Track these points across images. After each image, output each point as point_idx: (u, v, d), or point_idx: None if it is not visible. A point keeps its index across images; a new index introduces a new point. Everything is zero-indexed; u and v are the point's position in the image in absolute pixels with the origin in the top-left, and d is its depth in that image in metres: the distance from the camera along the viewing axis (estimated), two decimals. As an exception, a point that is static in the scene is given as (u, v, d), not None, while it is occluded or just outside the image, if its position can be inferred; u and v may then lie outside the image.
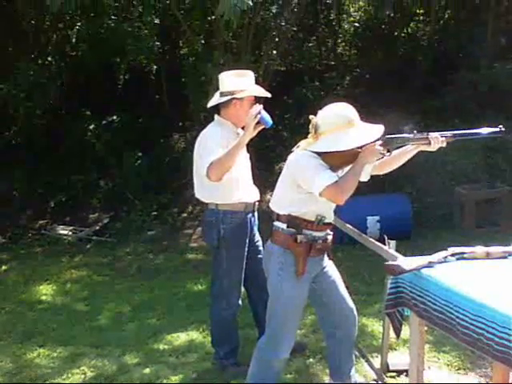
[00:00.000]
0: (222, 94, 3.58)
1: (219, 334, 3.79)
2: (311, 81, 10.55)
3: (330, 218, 3.02)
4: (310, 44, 10.81)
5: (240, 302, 3.74)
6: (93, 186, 9.05)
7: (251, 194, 3.70)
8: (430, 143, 2.97)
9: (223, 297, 3.69)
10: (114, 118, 9.50)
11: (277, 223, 3.01)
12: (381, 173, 3.20)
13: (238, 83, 3.54)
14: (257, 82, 3.77)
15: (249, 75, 3.63)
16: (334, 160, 2.88)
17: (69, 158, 9.16)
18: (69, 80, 9.59)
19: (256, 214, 3.77)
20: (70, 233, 8.02)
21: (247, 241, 3.66)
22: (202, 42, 8.82)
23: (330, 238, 3.06)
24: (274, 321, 3.06)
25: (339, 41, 11.64)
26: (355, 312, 3.27)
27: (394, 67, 10.27)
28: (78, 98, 9.62)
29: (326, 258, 3.13)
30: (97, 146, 8.98)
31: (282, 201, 3.00)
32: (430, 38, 10.95)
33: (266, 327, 3.13)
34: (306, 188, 2.85)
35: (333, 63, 11.26)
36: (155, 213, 8.52)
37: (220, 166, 3.35)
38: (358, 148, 2.87)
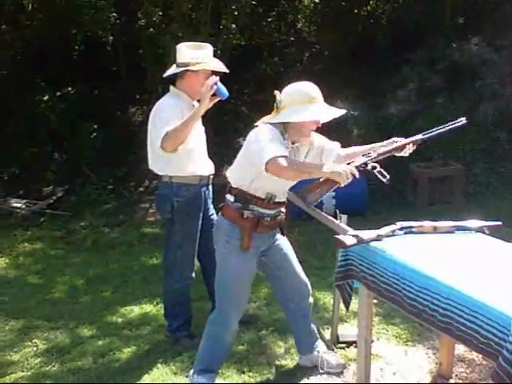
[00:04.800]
0: (177, 65, 3.54)
1: (172, 306, 3.79)
2: (270, 56, 10.51)
3: (281, 197, 3.02)
4: (270, 19, 10.71)
5: (193, 274, 3.75)
6: (47, 159, 8.88)
7: (206, 167, 3.68)
8: (401, 150, 3.03)
9: (176, 269, 3.68)
10: (69, 89, 9.30)
11: (227, 196, 3.02)
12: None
13: (194, 55, 3.49)
14: (215, 56, 3.73)
15: (206, 48, 3.57)
16: (295, 133, 2.90)
17: (22, 130, 8.96)
18: (23, 50, 9.33)
19: (210, 187, 3.76)
20: (24, 206, 7.87)
21: (201, 214, 3.66)
22: (160, 13, 8.65)
23: (280, 216, 3.08)
24: (221, 293, 3.10)
25: (299, 16, 11.57)
26: (309, 286, 3.32)
27: (353, 45, 10.32)
28: (32, 68, 9.38)
29: (277, 234, 3.16)
30: (51, 117, 8.78)
31: (236, 174, 3.00)
32: (389, 17, 11.01)
33: (215, 300, 3.16)
34: (256, 162, 2.76)
35: (292, 39, 11.22)
36: (111, 186, 8.43)
37: (175, 137, 3.31)
38: (317, 124, 2.90)
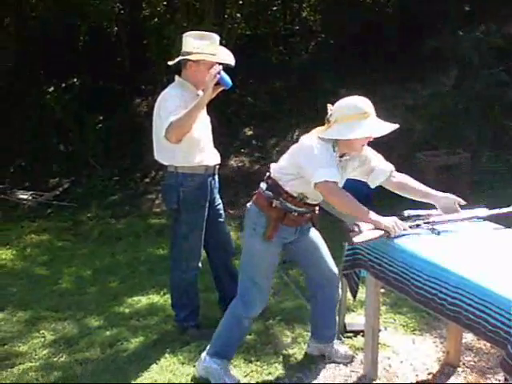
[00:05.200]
0: (181, 54, 3.53)
1: (179, 296, 3.79)
2: (275, 45, 10.47)
3: (313, 200, 3.03)
4: (275, 8, 10.67)
5: (200, 264, 3.74)
6: (52, 151, 8.88)
7: (212, 157, 3.66)
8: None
9: (183, 260, 3.68)
10: (74, 80, 9.29)
11: (262, 183, 3.06)
12: (393, 190, 3.19)
13: (196, 45, 3.46)
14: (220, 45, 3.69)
15: (211, 38, 3.52)
16: (346, 147, 2.91)
17: (27, 122, 8.96)
18: (28, 42, 9.32)
19: (216, 177, 3.75)
20: (30, 197, 7.88)
21: (207, 204, 3.64)
22: (165, 3, 8.63)
23: (311, 213, 3.09)
24: (243, 278, 3.15)
25: (304, 5, 11.52)
26: (338, 276, 3.30)
27: (358, 34, 10.24)
28: (37, 60, 9.37)
29: (307, 228, 3.17)
30: (56, 109, 8.77)
31: (278, 168, 3.02)
32: (394, 5, 10.92)
33: (238, 285, 3.20)
34: (306, 177, 2.83)
35: (297, 28, 11.17)
36: (117, 177, 8.43)
37: (179, 127, 3.30)
38: (369, 139, 2.90)
